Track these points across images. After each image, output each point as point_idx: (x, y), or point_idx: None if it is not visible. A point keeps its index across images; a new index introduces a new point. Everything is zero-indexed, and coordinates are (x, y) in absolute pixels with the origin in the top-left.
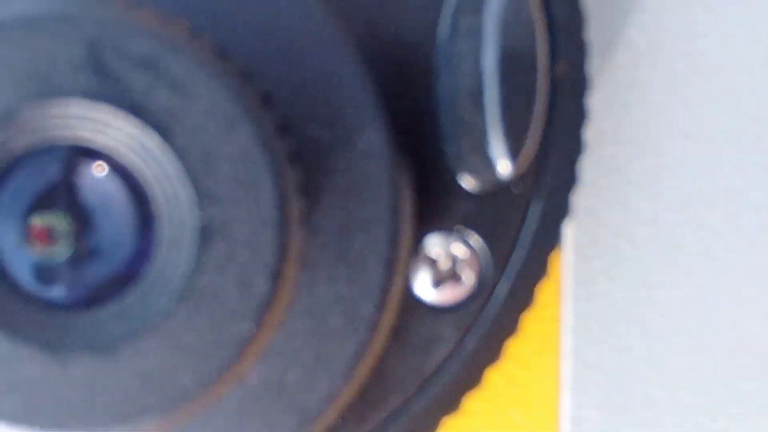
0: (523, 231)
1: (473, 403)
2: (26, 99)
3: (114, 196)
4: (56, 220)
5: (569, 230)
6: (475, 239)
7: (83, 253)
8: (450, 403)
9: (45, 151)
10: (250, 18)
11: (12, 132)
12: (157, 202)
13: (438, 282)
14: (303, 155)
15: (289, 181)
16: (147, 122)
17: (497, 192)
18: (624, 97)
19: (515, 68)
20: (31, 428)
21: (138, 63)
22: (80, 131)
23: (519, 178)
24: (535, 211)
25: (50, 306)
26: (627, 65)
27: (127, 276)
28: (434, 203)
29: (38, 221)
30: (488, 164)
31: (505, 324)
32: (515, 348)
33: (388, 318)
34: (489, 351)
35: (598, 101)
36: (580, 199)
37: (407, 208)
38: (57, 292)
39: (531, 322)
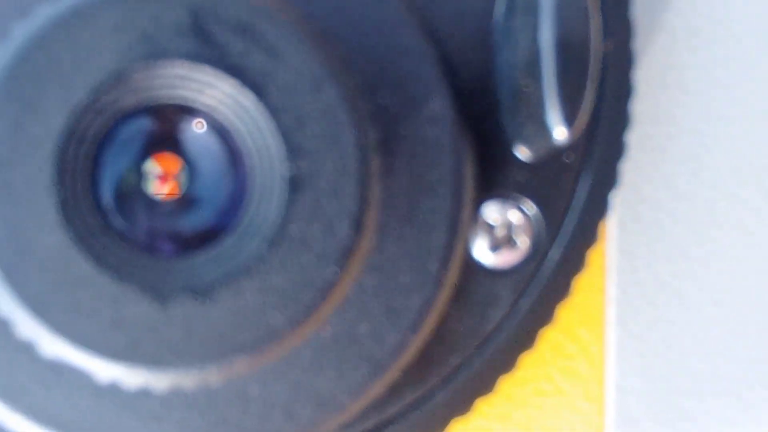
0: (575, 199)
1: (522, 371)
2: (135, 61)
3: (212, 150)
4: (170, 163)
5: (613, 207)
6: (530, 206)
7: (183, 200)
8: (506, 362)
9: (151, 109)
10: None
11: (122, 91)
12: (250, 155)
13: (495, 246)
14: (378, 120)
15: (370, 137)
16: (243, 82)
17: (550, 162)
18: (663, 77)
19: (569, 43)
20: (133, 364)
21: (235, 28)
22: (183, 91)
23: (571, 148)
24: (585, 181)
25: (153, 252)
26: (666, 47)
27: (223, 224)
28: (491, 172)
29: (155, 163)
30: (544, 132)
31: (558, 287)
32: (562, 318)
33: (451, 277)
34: (542, 313)
35: (638, 82)
36: (624, 175)
37: (468, 174)
38: (159, 238)
39: (577, 293)
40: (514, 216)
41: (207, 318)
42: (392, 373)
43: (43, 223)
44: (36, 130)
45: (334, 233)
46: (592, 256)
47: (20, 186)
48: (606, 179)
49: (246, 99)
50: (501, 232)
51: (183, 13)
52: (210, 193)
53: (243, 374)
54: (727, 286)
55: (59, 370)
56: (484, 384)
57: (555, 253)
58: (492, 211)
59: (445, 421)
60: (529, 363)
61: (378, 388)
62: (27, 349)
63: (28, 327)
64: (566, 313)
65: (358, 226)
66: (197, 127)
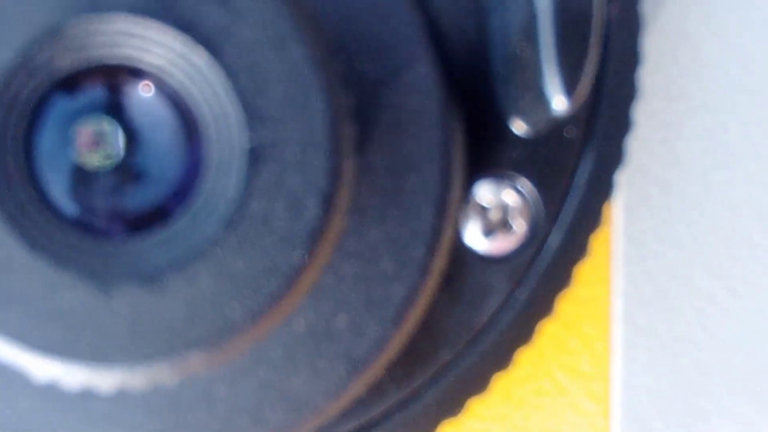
0: (576, 178)
1: (521, 369)
2: (71, 15)
3: (160, 117)
4: (104, 126)
5: (619, 188)
6: (527, 186)
7: (127, 174)
8: (501, 358)
9: (90, 70)
10: None
11: (57, 50)
12: (205, 123)
13: (488, 231)
14: (354, 87)
15: (342, 103)
16: (195, 39)
17: (549, 136)
18: (674, 49)
19: (568, 3)
20: (71, 360)
21: None
22: (126, 49)
23: (572, 121)
24: (588, 158)
25: (94, 233)
26: (677, 15)
27: (173, 201)
28: (483, 148)
29: (86, 125)
30: (542, 102)
31: (558, 275)
32: (564, 311)
33: (439, 264)
34: (541, 304)
35: (647, 52)
36: (631, 155)
37: (458, 150)
38: (101, 218)
39: (580, 283)
40: (510, 197)
41: (156, 308)
42: (374, 371)
43: None
44: None
45: (301, 212)
46: (596, 242)
47: None
48: (611, 156)
49: (199, 58)
50: (495, 215)
51: None
52: (159, 166)
53: (201, 373)
54: (743, 274)
55: None
56: (476, 382)
57: (555, 238)
58: (485, 192)
59: (435, 423)
60: (528, 360)
61: (358, 387)
62: None
63: None
64: (568, 305)
65: (327, 203)
66: (144, 91)
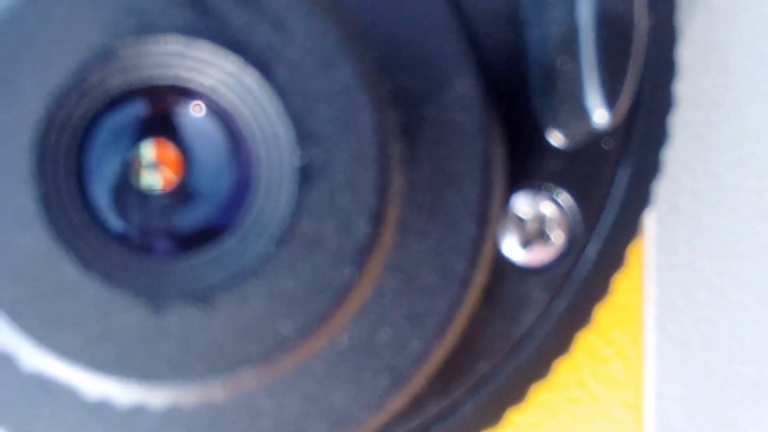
0: (614, 189)
1: (553, 377)
2: (123, 36)
3: (212, 137)
4: (166, 152)
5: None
6: (565, 197)
7: (180, 194)
8: (539, 368)
9: (142, 91)
10: None
11: (109, 71)
12: (256, 142)
13: (526, 242)
14: (399, 103)
15: (390, 121)
16: (246, 59)
17: (586, 148)
18: (703, 58)
19: (610, 14)
20: (124, 378)
21: None
22: (178, 70)
23: (609, 133)
24: (625, 169)
25: (146, 253)
26: (706, 24)
27: (225, 220)
28: (522, 160)
29: (148, 151)
30: (582, 115)
31: (596, 286)
32: (597, 319)
33: (479, 277)
34: (579, 314)
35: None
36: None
37: (497, 163)
38: (153, 237)
39: (613, 292)
40: (548, 208)
41: (208, 327)
42: (415, 384)
43: (21, 221)
44: (11, 116)
45: (351, 230)
46: (629, 251)
47: None
48: (648, 167)
49: (250, 78)
50: (533, 227)
51: None
52: (210, 185)
53: (250, 388)
54: None
55: (43, 385)
56: (515, 393)
57: (592, 249)
58: (523, 204)
59: None
60: (561, 368)
61: (399, 400)
62: (7, 363)
63: (7, 338)
64: (602, 314)
65: (377, 221)
66: (195, 111)
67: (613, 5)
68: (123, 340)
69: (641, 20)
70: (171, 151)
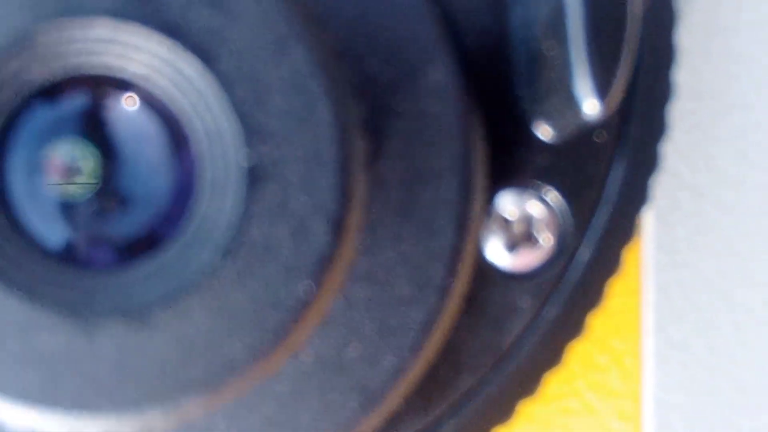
0: (607, 186)
1: (545, 388)
2: (42, 19)
3: (147, 133)
4: (78, 151)
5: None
6: (554, 196)
7: (111, 198)
8: (527, 383)
9: (66, 82)
10: None
11: (27, 59)
12: (198, 139)
13: (512, 245)
14: (364, 93)
15: (351, 113)
16: (185, 44)
17: (576, 142)
18: (705, 45)
19: None
20: (50, 409)
21: None
22: (107, 57)
23: (602, 125)
24: (620, 164)
25: (75, 266)
26: (709, 8)
27: (163, 228)
28: (505, 156)
29: (57, 151)
30: (571, 105)
31: (588, 293)
32: (591, 325)
33: (460, 284)
34: (570, 323)
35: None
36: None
37: (479, 158)
38: (81, 247)
39: (608, 296)
40: (535, 208)
41: (145, 349)
42: (389, 403)
43: None
44: None
45: (307, 237)
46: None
47: None
48: (644, 162)
49: (189, 66)
50: (519, 228)
51: None
52: (146, 189)
53: (197, 417)
54: None
55: None
56: (501, 410)
57: (584, 252)
58: (508, 203)
59: None
60: (553, 378)
61: (372, 421)
62: None
63: None
64: (596, 319)
65: (337, 227)
66: (127, 104)
67: None
68: (48, 366)
69: (636, 0)
70: (101, 149)
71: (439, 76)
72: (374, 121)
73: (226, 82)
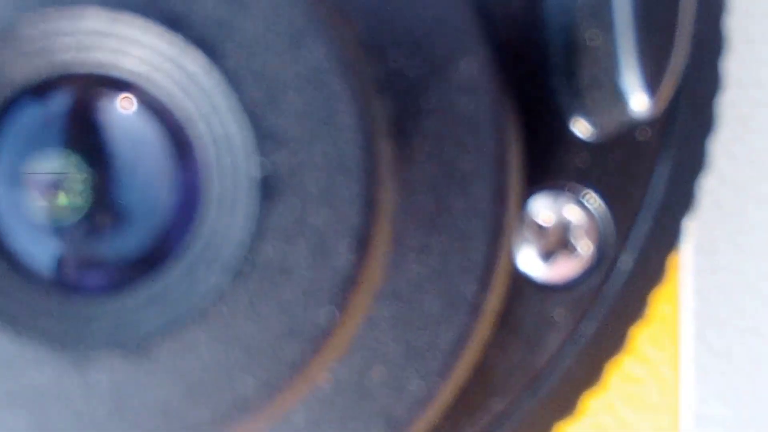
0: (651, 188)
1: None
2: (26, 9)
3: (145, 139)
4: (67, 163)
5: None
6: (593, 199)
7: (105, 215)
8: (563, 405)
9: (53, 81)
10: None
11: (10, 54)
12: (203, 145)
13: (547, 254)
14: (389, 90)
15: (375, 114)
16: (189, 38)
17: (618, 140)
18: (747, 30)
19: None
20: None
21: None
22: (100, 53)
23: (647, 122)
24: (664, 164)
25: (65, 291)
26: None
27: (167, 247)
28: (541, 156)
29: (42, 164)
30: (616, 100)
31: (630, 305)
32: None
33: (493, 300)
34: (610, 339)
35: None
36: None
37: (513, 160)
38: (73, 270)
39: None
40: (572, 213)
41: (145, 385)
42: (418, 429)
43: None
44: None
45: (329, 257)
46: None
47: None
48: (691, 161)
49: (194, 63)
50: (555, 235)
51: None
52: (145, 203)
53: None
54: None
55: None
56: None
57: (626, 261)
58: (543, 207)
59: None
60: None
61: None
62: None
63: None
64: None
65: (362, 245)
66: (124, 107)
67: None
68: (36, 405)
69: None
70: (93, 160)
71: (471, 70)
72: (401, 122)
73: (234, 81)
